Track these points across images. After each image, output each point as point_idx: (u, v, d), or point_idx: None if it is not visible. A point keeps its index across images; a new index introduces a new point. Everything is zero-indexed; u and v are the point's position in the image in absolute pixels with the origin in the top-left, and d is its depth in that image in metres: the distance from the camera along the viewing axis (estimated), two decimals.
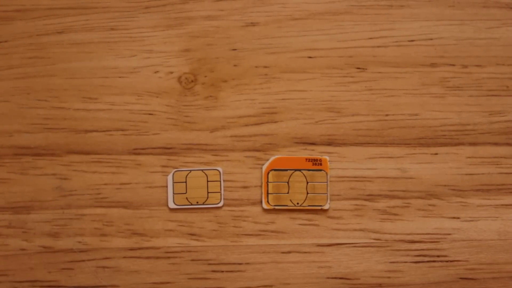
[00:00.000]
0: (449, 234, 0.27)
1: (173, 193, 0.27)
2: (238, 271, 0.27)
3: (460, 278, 0.27)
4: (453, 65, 0.28)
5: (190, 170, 0.27)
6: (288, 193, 0.27)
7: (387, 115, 0.28)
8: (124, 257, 0.27)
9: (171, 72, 0.28)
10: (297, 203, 0.27)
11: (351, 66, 0.28)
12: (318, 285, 0.27)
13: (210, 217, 0.27)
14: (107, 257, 0.27)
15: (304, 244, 0.27)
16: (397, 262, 0.27)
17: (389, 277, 0.27)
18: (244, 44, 0.28)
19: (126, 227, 0.27)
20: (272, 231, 0.27)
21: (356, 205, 0.27)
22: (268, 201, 0.27)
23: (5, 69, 0.28)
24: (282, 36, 0.28)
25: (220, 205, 0.27)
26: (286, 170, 0.27)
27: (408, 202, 0.27)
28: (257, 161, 0.27)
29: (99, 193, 0.27)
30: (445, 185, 0.27)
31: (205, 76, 0.28)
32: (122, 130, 0.28)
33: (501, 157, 0.27)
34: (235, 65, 0.28)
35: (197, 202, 0.27)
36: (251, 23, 0.28)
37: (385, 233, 0.27)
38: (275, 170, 0.27)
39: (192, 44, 0.28)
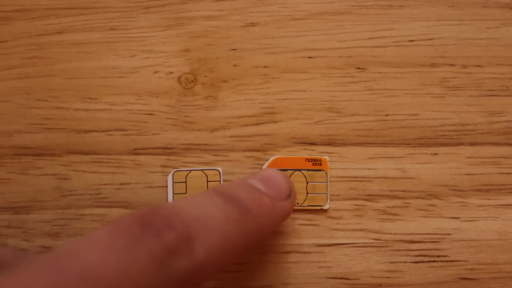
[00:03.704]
0: (449, 234, 0.27)
1: (173, 193, 0.27)
2: (238, 271, 0.27)
3: (460, 278, 0.27)
4: (453, 65, 0.28)
5: (190, 170, 0.27)
6: None
7: (387, 115, 0.28)
8: None
9: (171, 72, 0.28)
10: (297, 203, 0.27)
11: (351, 66, 0.28)
12: (318, 285, 0.27)
13: None
14: None
15: (304, 244, 0.27)
16: (397, 262, 0.27)
17: (389, 277, 0.27)
18: (244, 44, 0.28)
19: None
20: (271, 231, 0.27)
21: (356, 205, 0.27)
22: None
23: (5, 69, 0.28)
24: (282, 36, 0.28)
25: None
26: (286, 170, 0.27)
27: (408, 202, 0.27)
28: (257, 161, 0.27)
29: (99, 193, 0.27)
30: (445, 185, 0.27)
31: (205, 76, 0.28)
32: (122, 130, 0.28)
33: (501, 157, 0.27)
34: (235, 65, 0.28)
35: None
36: (251, 23, 0.28)
37: (385, 233, 0.27)
38: None
39: (192, 44, 0.28)
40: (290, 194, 0.23)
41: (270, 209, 0.21)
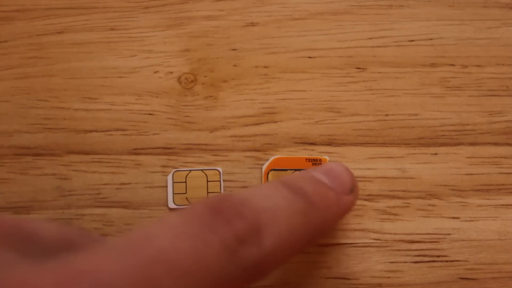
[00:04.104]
0: (449, 234, 0.27)
1: (173, 193, 0.27)
2: None
3: (460, 278, 0.27)
4: (453, 65, 0.28)
5: (190, 170, 0.27)
6: None
7: (387, 115, 0.28)
8: None
9: (171, 72, 0.28)
10: None
11: (351, 66, 0.28)
12: (318, 285, 0.27)
13: None
14: None
15: None
16: (397, 262, 0.27)
17: (389, 277, 0.27)
18: (244, 44, 0.28)
19: (126, 227, 0.27)
20: None
21: (356, 205, 0.27)
22: None
23: (5, 69, 0.28)
24: (282, 36, 0.28)
25: None
26: (286, 170, 0.27)
27: (408, 202, 0.27)
28: (257, 161, 0.27)
29: (99, 193, 0.27)
30: (445, 185, 0.27)
31: (205, 76, 0.28)
32: (122, 130, 0.28)
33: (501, 157, 0.27)
34: (235, 65, 0.28)
35: None
36: (251, 23, 0.28)
37: (385, 233, 0.27)
38: (275, 170, 0.27)
39: (192, 44, 0.28)
40: (353, 189, 0.23)
41: (334, 203, 0.22)
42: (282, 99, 0.28)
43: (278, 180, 0.21)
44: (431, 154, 0.27)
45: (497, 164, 0.27)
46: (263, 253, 0.18)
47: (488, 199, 0.27)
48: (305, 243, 0.20)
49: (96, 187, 0.27)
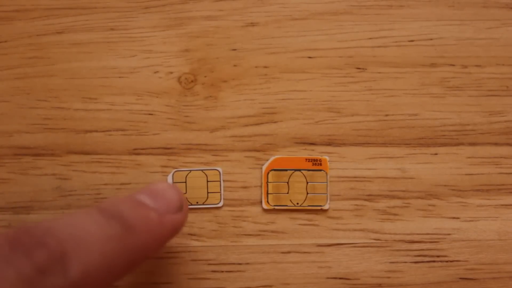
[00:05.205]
0: (449, 234, 0.27)
1: None
2: (238, 271, 0.27)
3: (460, 278, 0.27)
4: (453, 65, 0.28)
5: (190, 170, 0.27)
6: (288, 193, 0.27)
7: (387, 115, 0.28)
8: None
9: (171, 72, 0.28)
10: (297, 203, 0.27)
11: (351, 66, 0.28)
12: (318, 285, 0.27)
13: (210, 217, 0.27)
14: None
15: (304, 244, 0.27)
16: (397, 262, 0.27)
17: (389, 277, 0.27)
18: (244, 44, 0.28)
19: None
20: (272, 231, 0.27)
21: (356, 205, 0.27)
22: (268, 201, 0.27)
23: (5, 69, 0.28)
24: (282, 36, 0.28)
25: (220, 205, 0.27)
26: (286, 170, 0.27)
27: (408, 202, 0.27)
28: (257, 161, 0.27)
29: (99, 193, 0.27)
30: (445, 185, 0.27)
31: (205, 76, 0.28)
32: (122, 130, 0.28)
33: (501, 157, 0.27)
34: (235, 65, 0.28)
35: (197, 202, 0.27)
36: (251, 23, 0.28)
37: (385, 233, 0.27)
38: (275, 170, 0.27)
39: (192, 44, 0.28)
40: (181, 207, 0.22)
41: (157, 224, 0.21)
42: (282, 99, 0.28)
43: (95, 206, 0.21)
44: (431, 154, 0.27)
45: (497, 164, 0.27)
46: (69, 282, 0.18)
47: (488, 199, 0.27)
48: (123, 267, 0.20)
49: (96, 187, 0.27)
